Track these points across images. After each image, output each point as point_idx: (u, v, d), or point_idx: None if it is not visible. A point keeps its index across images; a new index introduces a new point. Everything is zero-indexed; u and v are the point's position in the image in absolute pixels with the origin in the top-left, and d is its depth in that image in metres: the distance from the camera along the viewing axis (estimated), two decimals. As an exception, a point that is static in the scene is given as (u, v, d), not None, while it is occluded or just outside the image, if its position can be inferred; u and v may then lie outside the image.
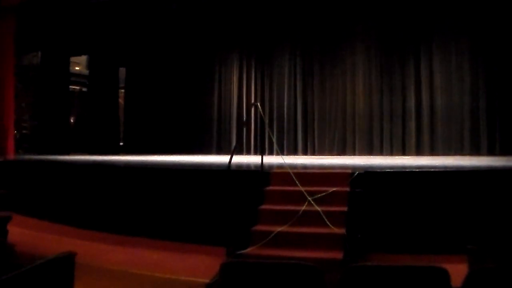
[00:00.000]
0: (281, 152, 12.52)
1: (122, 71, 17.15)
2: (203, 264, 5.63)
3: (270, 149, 13.78)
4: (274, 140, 13.25)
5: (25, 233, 7.03)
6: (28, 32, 13.52)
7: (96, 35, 15.05)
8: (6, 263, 3.28)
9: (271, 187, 6.55)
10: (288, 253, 5.29)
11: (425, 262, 2.76)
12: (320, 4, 13.13)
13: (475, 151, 11.53)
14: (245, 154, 14.37)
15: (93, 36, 15.06)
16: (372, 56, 13.07)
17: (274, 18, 14.01)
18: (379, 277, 2.71)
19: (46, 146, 14.67)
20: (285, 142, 14.04)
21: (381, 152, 12.73)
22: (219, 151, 14.90)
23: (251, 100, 14.60)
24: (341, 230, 5.52)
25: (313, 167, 8.35)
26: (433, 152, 12.07)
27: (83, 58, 18.53)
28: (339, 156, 12.78)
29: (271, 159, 10.10)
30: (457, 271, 2.86)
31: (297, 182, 6.23)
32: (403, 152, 12.48)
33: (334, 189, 6.10)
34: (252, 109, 14.19)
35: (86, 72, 18.05)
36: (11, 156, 11.71)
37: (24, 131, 16.92)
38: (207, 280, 3.52)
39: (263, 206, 6.22)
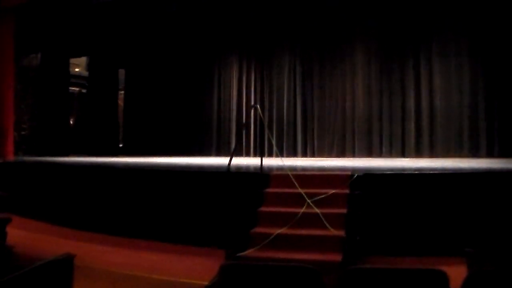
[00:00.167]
0: (280, 154, 12.51)
1: (122, 72, 17.18)
2: (202, 266, 5.62)
3: (269, 151, 13.77)
4: (274, 142, 13.25)
5: (24, 235, 7.01)
6: (28, 33, 13.52)
7: (96, 37, 15.06)
8: (5, 265, 3.28)
9: (270, 189, 6.55)
10: (287, 255, 5.29)
11: (424, 265, 2.76)
12: (320, 6, 13.13)
13: (474, 153, 11.53)
14: (245, 156, 14.37)
15: (93, 37, 15.07)
16: (372, 58, 13.08)
17: (273, 20, 14.02)
18: (378, 279, 2.71)
19: (45, 147, 14.68)
20: (284, 144, 14.04)
21: (380, 154, 12.73)
22: (219, 153, 14.91)
23: (250, 102, 14.61)
24: (340, 232, 5.52)
25: (312, 169, 8.34)
26: (432, 154, 12.08)
27: (82, 60, 18.55)
28: (338, 158, 12.78)
29: (270, 161, 10.10)
30: (456, 273, 2.86)
31: (296, 184, 6.23)
32: (403, 154, 12.47)
33: (334, 191, 6.10)
34: (252, 111, 14.19)
35: (85, 73, 18.08)
36: (10, 157, 11.70)
37: (23, 133, 16.90)
38: (206, 282, 3.52)
39: (263, 208, 6.21)
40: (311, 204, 5.92)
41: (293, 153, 13.91)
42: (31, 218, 8.28)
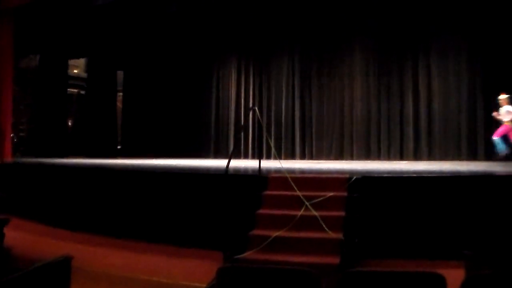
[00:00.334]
0: (278, 156, 12.52)
1: (120, 74, 17.17)
2: (200, 269, 5.62)
3: (267, 153, 13.79)
4: (272, 144, 13.26)
5: (22, 237, 7.00)
6: (27, 35, 13.51)
7: (95, 38, 15.06)
8: (3, 266, 3.27)
9: (268, 192, 6.54)
10: (285, 258, 5.28)
11: (422, 268, 2.76)
12: (318, 9, 13.14)
13: (472, 156, 11.55)
14: (243, 159, 14.37)
15: (92, 39, 15.07)
16: (370, 61, 13.11)
17: (272, 22, 14.03)
18: (376, 282, 2.71)
19: (43, 149, 14.65)
20: (282, 146, 14.04)
21: (378, 157, 12.75)
22: (217, 155, 14.92)
23: (249, 104, 14.62)
24: (338, 235, 5.52)
25: (310, 171, 8.35)
26: (430, 157, 12.10)
27: (81, 61, 18.57)
28: (336, 161, 12.79)
29: (268, 164, 10.10)
30: (454, 277, 2.86)
31: (294, 186, 6.23)
32: (401, 157, 12.50)
33: (332, 194, 6.10)
34: (250, 113, 14.19)
35: (84, 75, 18.09)
36: (8, 159, 11.69)
37: (21, 134, 16.90)
38: (204, 285, 3.52)
39: (261, 211, 6.21)
40: (309, 206, 5.92)
41: (292, 156, 13.92)
42: (29, 220, 8.26)
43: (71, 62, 17.19)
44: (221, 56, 15.45)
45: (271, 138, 13.80)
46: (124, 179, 8.11)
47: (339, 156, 13.27)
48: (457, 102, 11.99)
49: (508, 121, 10.14)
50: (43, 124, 15.22)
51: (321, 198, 6.02)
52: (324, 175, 7.28)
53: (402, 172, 7.86)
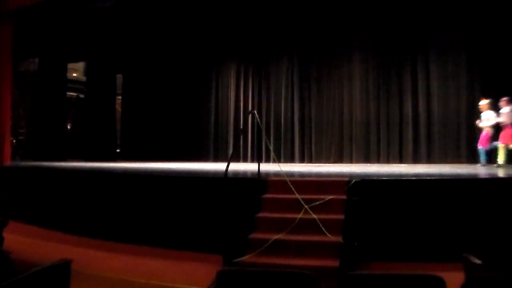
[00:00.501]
0: (278, 160, 12.54)
1: (119, 77, 17.18)
2: (199, 272, 5.61)
3: (267, 156, 13.79)
4: (271, 147, 13.27)
5: (21, 240, 6.99)
6: (26, 38, 13.52)
7: (94, 42, 15.07)
8: (2, 270, 3.26)
9: (268, 195, 6.54)
10: (285, 261, 5.28)
11: (422, 271, 2.76)
12: (317, 11, 13.17)
13: (472, 159, 11.54)
14: (242, 162, 14.37)
15: (91, 42, 15.08)
16: (369, 64, 13.12)
17: (271, 25, 14.05)
18: (376, 285, 2.71)
19: (42, 152, 14.65)
20: (282, 149, 14.04)
21: (378, 160, 12.75)
22: (216, 159, 14.91)
23: (248, 107, 14.62)
24: (338, 238, 5.52)
25: (310, 175, 8.35)
26: (430, 159, 12.11)
27: (80, 65, 18.59)
28: (336, 164, 12.78)
29: (268, 167, 10.12)
30: (453, 279, 2.87)
31: (294, 190, 6.23)
32: (400, 160, 12.50)
33: (331, 197, 6.10)
34: (249, 117, 14.20)
35: (83, 78, 18.10)
36: (7, 162, 11.67)
37: (20, 138, 16.88)
38: (203, 288, 3.51)
39: (260, 214, 6.21)
40: (308, 210, 5.92)
41: (291, 159, 13.92)
42: (28, 223, 8.25)
43: (70, 65, 17.20)
44: (220, 59, 15.46)
45: (270, 142, 13.81)
46: (123, 183, 8.11)
47: (338, 159, 13.27)
48: (456, 104, 12.00)
49: (487, 127, 10.23)
50: (42, 127, 15.21)
51: (321, 201, 6.03)
52: (323, 178, 7.30)
53: (401, 175, 7.87)
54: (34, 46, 14.85)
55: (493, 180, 6.67)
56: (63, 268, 3.04)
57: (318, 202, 6.01)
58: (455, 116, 11.99)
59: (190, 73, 15.71)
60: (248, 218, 6.11)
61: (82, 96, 18.30)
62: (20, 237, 7.20)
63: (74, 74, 18.72)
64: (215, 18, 13.82)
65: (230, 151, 14.36)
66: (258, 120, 8.91)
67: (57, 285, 2.98)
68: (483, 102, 10.40)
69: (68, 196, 8.37)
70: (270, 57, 14.55)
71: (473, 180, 6.69)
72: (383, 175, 7.55)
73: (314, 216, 5.80)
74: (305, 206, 5.96)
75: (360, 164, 12.59)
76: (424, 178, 6.72)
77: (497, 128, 10.15)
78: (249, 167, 11.57)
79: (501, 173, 7.96)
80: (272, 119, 14.35)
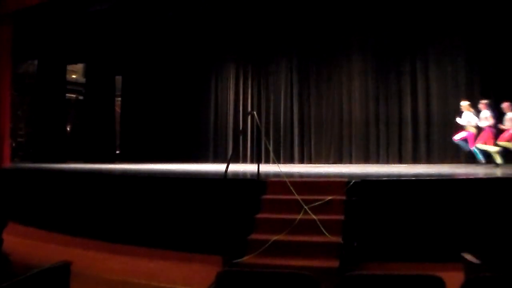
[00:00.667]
0: (277, 160, 12.53)
1: (119, 79, 17.18)
2: (199, 273, 5.61)
3: (266, 157, 13.79)
4: (271, 148, 13.27)
5: (20, 242, 6.98)
6: (25, 40, 13.51)
7: (93, 44, 15.07)
8: (1, 272, 3.27)
9: (267, 196, 6.55)
10: (285, 261, 5.29)
11: (421, 271, 2.76)
12: (316, 12, 13.17)
13: (471, 159, 11.53)
14: (242, 163, 14.36)
15: (90, 44, 15.08)
16: (368, 64, 13.12)
17: (270, 27, 14.04)
18: (375, 286, 2.71)
19: (42, 154, 14.64)
20: (281, 150, 14.04)
21: (377, 160, 12.75)
22: (216, 160, 14.90)
23: (247, 108, 14.62)
24: (338, 239, 5.53)
25: (309, 175, 8.35)
26: (429, 160, 12.11)
27: (79, 66, 18.58)
28: (335, 165, 12.78)
29: (267, 168, 10.12)
30: (453, 279, 2.87)
31: (293, 190, 6.24)
32: (400, 160, 12.50)
33: (331, 197, 6.11)
34: (249, 118, 14.20)
35: (82, 80, 18.09)
36: (6, 164, 11.67)
37: (20, 139, 16.88)
38: (203, 289, 3.51)
39: (260, 215, 6.21)
40: (308, 210, 5.93)
41: (290, 160, 13.91)
42: (28, 225, 8.25)
43: (69, 67, 17.19)
44: (219, 60, 15.46)
45: (269, 142, 13.81)
46: (122, 184, 8.11)
47: (338, 160, 13.26)
48: (456, 104, 11.93)
49: (470, 127, 10.35)
50: (41, 129, 15.20)
51: (320, 202, 6.03)
52: (322, 179, 7.30)
53: (400, 175, 7.87)
54: (33, 48, 14.85)
55: (492, 180, 6.66)
56: (62, 270, 3.04)
57: (317, 203, 6.02)
58: (454, 116, 11.95)
59: (189, 74, 15.71)
60: (247, 219, 6.11)
61: (81, 97, 18.31)
62: (20, 238, 7.20)
63: (73, 76, 18.71)
64: (214, 18, 13.81)
65: (230, 152, 14.36)
66: (258, 121, 8.91)
67: (57, 287, 2.98)
68: (464, 103, 10.56)
69: (68, 198, 8.36)
70: (269, 58, 14.55)
71: (472, 180, 6.68)
72: (382, 176, 7.55)
73: (314, 216, 5.81)
74: (305, 207, 5.96)
75: (359, 164, 12.58)
76: (424, 178, 6.72)
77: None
78: (249, 168, 11.57)
79: (499, 173, 7.97)
80: (271, 120, 14.35)
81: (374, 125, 12.92)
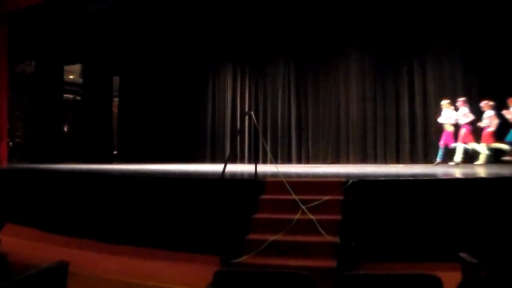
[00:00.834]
0: (275, 160, 12.52)
1: (116, 80, 17.17)
2: (196, 273, 5.61)
3: (264, 157, 13.78)
4: (268, 148, 13.27)
5: (17, 242, 6.99)
6: (22, 41, 13.51)
7: (90, 44, 15.06)
8: (-1, 272, 3.26)
9: (265, 196, 6.54)
10: (282, 261, 5.29)
11: (419, 270, 2.76)
12: (314, 13, 13.18)
13: (469, 159, 11.55)
14: (239, 163, 14.37)
15: (87, 45, 15.07)
16: (366, 65, 13.14)
17: (267, 27, 14.07)
18: (373, 285, 2.71)
19: (39, 154, 14.62)
20: (279, 150, 14.06)
21: (375, 160, 12.78)
22: (213, 160, 14.91)
23: (245, 109, 14.63)
24: (335, 239, 5.53)
25: (307, 175, 8.36)
26: (426, 160, 12.12)
27: (77, 67, 18.55)
28: (333, 165, 12.80)
29: (265, 168, 10.10)
30: (451, 279, 2.87)
31: (291, 190, 6.24)
32: (397, 160, 12.51)
33: (328, 197, 6.11)
34: (246, 118, 14.20)
35: (80, 80, 18.08)
36: (4, 164, 11.65)
37: (17, 140, 16.85)
38: (201, 289, 3.51)
39: (257, 215, 6.21)
40: (305, 210, 5.93)
41: (288, 160, 13.93)
42: (25, 226, 8.24)
43: (67, 68, 17.15)
44: (217, 60, 15.47)
45: (267, 143, 13.81)
46: (120, 185, 8.10)
47: (335, 160, 13.29)
48: (453, 105, 12.00)
49: (448, 126, 10.65)
50: (39, 129, 15.18)
51: (318, 202, 6.03)
52: (320, 179, 7.29)
53: (398, 175, 7.87)
54: (30, 49, 14.84)
55: (490, 180, 6.68)
56: (60, 270, 3.03)
57: (315, 203, 6.02)
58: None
59: (186, 74, 15.72)
60: (245, 219, 6.11)
61: (79, 98, 18.27)
62: (17, 239, 7.20)
63: (71, 76, 18.68)
64: (212, 19, 13.81)
65: (227, 152, 14.36)
66: (255, 121, 8.93)
67: (54, 287, 2.97)
68: (444, 102, 10.83)
69: (65, 198, 8.35)
70: (267, 58, 14.56)
71: (469, 180, 6.69)
72: (380, 176, 7.56)
73: (311, 216, 5.81)
74: (302, 207, 5.96)
75: (357, 164, 12.60)
76: (421, 178, 6.73)
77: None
78: (246, 168, 11.57)
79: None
80: (268, 120, 14.35)
81: (371, 125, 12.94)
